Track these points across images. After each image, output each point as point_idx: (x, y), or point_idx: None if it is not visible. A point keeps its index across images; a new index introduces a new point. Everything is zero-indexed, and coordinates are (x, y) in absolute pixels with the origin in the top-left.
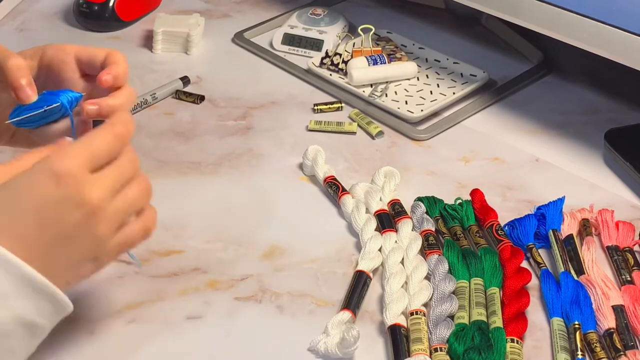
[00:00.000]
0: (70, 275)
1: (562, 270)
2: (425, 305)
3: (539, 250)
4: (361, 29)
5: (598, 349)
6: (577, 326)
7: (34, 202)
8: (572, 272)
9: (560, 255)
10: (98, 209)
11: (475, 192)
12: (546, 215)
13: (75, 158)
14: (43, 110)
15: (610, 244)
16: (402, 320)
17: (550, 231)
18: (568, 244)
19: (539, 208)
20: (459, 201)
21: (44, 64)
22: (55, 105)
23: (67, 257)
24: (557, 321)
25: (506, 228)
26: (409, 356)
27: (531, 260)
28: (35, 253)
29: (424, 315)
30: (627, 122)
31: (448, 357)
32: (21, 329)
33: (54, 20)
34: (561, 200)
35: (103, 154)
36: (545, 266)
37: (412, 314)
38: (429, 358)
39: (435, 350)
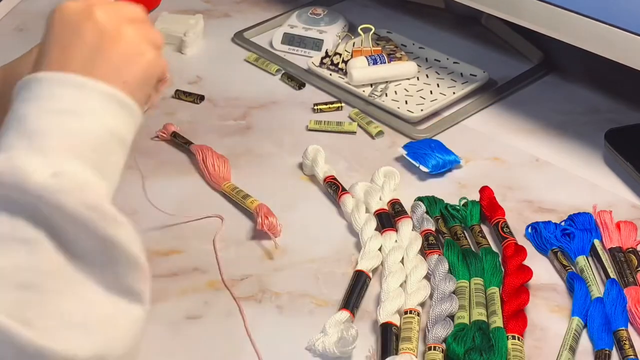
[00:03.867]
0: (124, 76)
1: (612, 277)
2: (423, 304)
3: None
4: (361, 29)
5: (627, 346)
6: (607, 352)
7: (51, 34)
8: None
9: (610, 264)
10: (92, 4)
11: (484, 189)
12: (578, 225)
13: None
14: None
15: (612, 246)
16: (395, 319)
17: (595, 241)
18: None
19: (569, 218)
20: (464, 201)
21: None
22: None
23: (109, 58)
24: (577, 321)
25: (529, 230)
26: (396, 354)
27: (555, 262)
28: (84, 65)
29: (418, 315)
30: (627, 122)
31: (441, 356)
32: (113, 140)
33: None
34: (590, 215)
35: None
36: (572, 269)
37: (406, 312)
38: (415, 358)
39: (430, 349)
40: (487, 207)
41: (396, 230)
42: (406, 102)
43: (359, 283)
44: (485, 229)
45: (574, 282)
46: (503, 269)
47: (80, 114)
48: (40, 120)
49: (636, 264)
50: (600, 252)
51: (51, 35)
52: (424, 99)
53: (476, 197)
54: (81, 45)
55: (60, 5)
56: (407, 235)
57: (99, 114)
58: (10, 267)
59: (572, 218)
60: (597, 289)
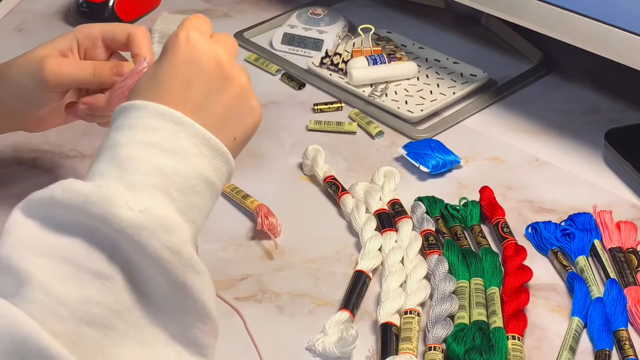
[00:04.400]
0: (229, 127)
1: (612, 277)
2: (423, 305)
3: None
4: (361, 29)
5: (627, 346)
6: (607, 352)
7: (174, 66)
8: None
9: (610, 264)
10: (216, 46)
11: (484, 190)
12: (578, 225)
13: (187, 29)
14: None
15: (612, 246)
16: (395, 319)
17: (595, 241)
18: (615, 254)
19: (569, 218)
20: (464, 201)
21: (81, 53)
22: None
23: (215, 107)
24: (577, 321)
25: (529, 230)
26: (396, 354)
27: (555, 262)
28: (192, 112)
29: (418, 315)
30: (627, 122)
31: (441, 356)
32: (202, 185)
33: (53, 20)
34: (590, 215)
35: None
36: (572, 269)
37: (406, 312)
38: (415, 358)
39: (430, 349)
40: (487, 207)
41: (396, 230)
42: (406, 102)
43: (359, 283)
44: (485, 229)
45: (574, 282)
46: (503, 269)
47: (173, 151)
48: (132, 151)
49: (636, 264)
50: (600, 252)
51: (169, 66)
52: (424, 99)
53: (476, 197)
54: (200, 85)
55: (192, 36)
56: (407, 235)
57: (192, 155)
58: (79, 299)
59: (572, 218)
60: (597, 289)
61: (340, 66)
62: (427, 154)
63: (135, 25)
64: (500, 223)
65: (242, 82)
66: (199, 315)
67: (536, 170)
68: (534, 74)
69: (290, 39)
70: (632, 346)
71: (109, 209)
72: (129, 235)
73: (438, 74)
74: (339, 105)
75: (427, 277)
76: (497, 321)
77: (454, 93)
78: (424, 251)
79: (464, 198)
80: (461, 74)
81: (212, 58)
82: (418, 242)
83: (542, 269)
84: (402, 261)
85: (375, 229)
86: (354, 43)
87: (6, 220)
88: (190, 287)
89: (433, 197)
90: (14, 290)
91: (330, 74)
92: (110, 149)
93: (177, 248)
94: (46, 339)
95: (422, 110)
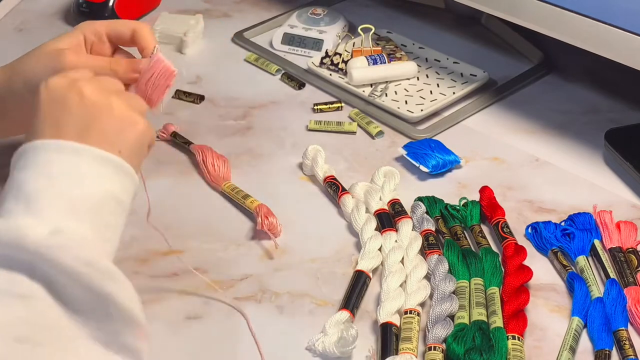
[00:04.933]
0: (117, 144)
1: (611, 277)
2: (423, 305)
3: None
4: (361, 29)
5: (627, 346)
6: (607, 352)
7: (45, 106)
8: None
9: (610, 264)
10: (77, 79)
11: (484, 190)
12: (578, 225)
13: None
14: None
15: (612, 246)
16: (395, 319)
17: (595, 241)
18: (615, 254)
19: (569, 218)
20: (464, 201)
21: (88, 49)
22: None
23: (102, 129)
24: (577, 321)
25: (529, 230)
26: (396, 354)
27: (555, 262)
28: (79, 135)
29: (418, 315)
30: (627, 122)
31: (441, 356)
32: (110, 203)
33: (53, 20)
34: (590, 215)
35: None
36: (572, 269)
37: (406, 312)
38: (415, 358)
39: (430, 348)
40: (487, 207)
41: (396, 230)
42: (406, 102)
43: (359, 283)
44: (485, 229)
45: (574, 282)
46: (503, 269)
47: (77, 177)
48: (37, 184)
49: (636, 264)
50: (600, 252)
51: (41, 111)
52: (424, 99)
53: (476, 197)
54: (72, 118)
55: (46, 82)
56: (407, 235)
57: (95, 177)
58: (7, 320)
59: (572, 218)
60: (597, 289)
61: (340, 66)
62: (427, 154)
63: (139, 21)
64: (500, 223)
65: (110, 104)
66: (125, 321)
67: (536, 170)
68: (534, 74)
69: (290, 39)
70: (632, 346)
71: (19, 234)
72: (44, 256)
73: (438, 74)
74: (339, 105)
75: (427, 277)
76: (497, 321)
77: (454, 93)
78: (424, 251)
79: (464, 198)
80: (461, 74)
81: (75, 93)
82: (418, 242)
83: (542, 269)
84: (402, 261)
85: (375, 229)
86: (354, 43)
87: None
88: (110, 296)
89: (433, 197)
90: None
91: (330, 74)
92: (14, 189)
93: (90, 260)
94: None
95: (422, 110)
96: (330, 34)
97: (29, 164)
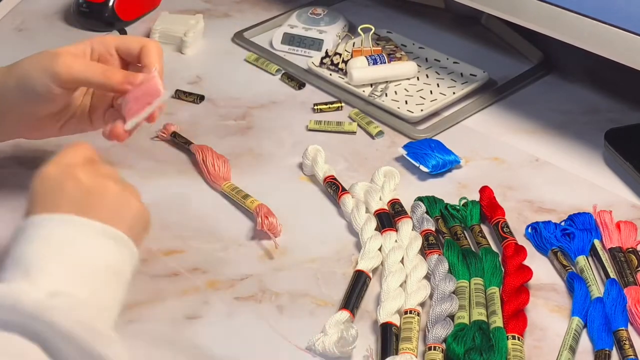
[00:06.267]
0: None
1: (611, 277)
2: (423, 304)
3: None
4: (361, 29)
5: (627, 346)
6: (607, 352)
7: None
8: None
9: (610, 264)
10: (71, 165)
11: (484, 189)
12: (578, 225)
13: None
14: None
15: (612, 246)
16: (395, 319)
17: (595, 241)
18: (615, 254)
19: (569, 218)
20: (464, 201)
21: (94, 59)
22: None
23: (99, 211)
24: (577, 321)
25: (529, 230)
26: (396, 354)
27: (555, 262)
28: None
29: (418, 315)
30: (627, 122)
31: (441, 356)
32: (112, 274)
33: (53, 20)
34: (590, 215)
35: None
36: (572, 269)
37: (406, 312)
38: (415, 358)
39: (430, 348)
40: (487, 207)
41: (396, 230)
42: (406, 102)
43: (359, 283)
44: (485, 229)
45: (574, 282)
46: (503, 269)
47: (77, 246)
48: (37, 253)
49: (636, 264)
50: (600, 252)
51: (36, 200)
52: (424, 99)
53: (476, 197)
54: (70, 198)
55: (41, 172)
56: (407, 235)
57: (95, 247)
58: None
59: (572, 218)
60: (597, 289)
61: (340, 66)
62: (427, 154)
63: (150, 39)
64: (500, 223)
65: (106, 186)
66: None
67: (536, 170)
68: (534, 74)
69: (290, 39)
70: (632, 346)
71: (16, 297)
72: (38, 316)
73: (438, 74)
74: (339, 105)
75: (427, 277)
76: (497, 321)
77: (454, 93)
78: (424, 251)
79: (464, 198)
80: (461, 74)
81: (70, 178)
82: (418, 242)
83: (542, 269)
84: (402, 261)
85: (375, 229)
86: (354, 43)
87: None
88: (104, 358)
89: (433, 197)
90: None
91: (330, 74)
92: (14, 259)
93: (86, 323)
94: None
95: (422, 110)
96: (330, 34)
97: (30, 237)
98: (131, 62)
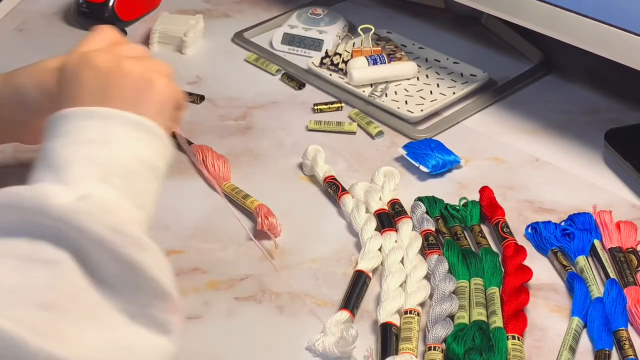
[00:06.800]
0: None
1: (611, 277)
2: (423, 305)
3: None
4: (361, 29)
5: (627, 346)
6: (607, 352)
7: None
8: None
9: (610, 264)
10: (87, 52)
11: (484, 190)
12: (578, 225)
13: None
14: None
15: (612, 246)
16: (395, 319)
17: (595, 241)
18: (615, 254)
19: (569, 218)
20: (464, 201)
21: None
22: None
23: (118, 94)
24: (577, 321)
25: (529, 230)
26: (396, 354)
27: (555, 262)
28: (99, 102)
29: (418, 315)
30: (627, 122)
31: (441, 356)
32: (144, 169)
33: (53, 20)
34: (590, 215)
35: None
36: (572, 269)
37: (406, 312)
38: (415, 358)
39: (430, 348)
40: (487, 207)
41: (396, 230)
42: (406, 102)
43: (359, 283)
44: (485, 229)
45: (574, 282)
46: (503, 269)
47: (108, 142)
48: (66, 152)
49: (636, 264)
50: (600, 252)
51: (60, 94)
52: (424, 99)
53: (476, 197)
54: (88, 92)
55: (60, 64)
56: (407, 235)
57: (127, 142)
58: (29, 286)
59: (572, 218)
60: (597, 289)
61: (340, 66)
62: (427, 154)
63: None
64: (500, 223)
65: (123, 68)
66: (154, 293)
67: (536, 170)
68: (533, 74)
69: (290, 39)
70: (632, 346)
71: (43, 201)
72: (69, 221)
73: (438, 74)
74: (339, 105)
75: (427, 277)
76: (497, 321)
77: (454, 93)
78: (424, 251)
79: (464, 198)
80: (461, 74)
81: (86, 65)
82: (418, 242)
83: (542, 269)
84: (402, 261)
85: (375, 229)
86: (354, 43)
87: None
88: (139, 265)
89: (433, 197)
90: None
91: (330, 74)
92: (44, 158)
93: (119, 227)
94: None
95: (422, 110)
96: (330, 34)
97: (59, 133)
98: None
